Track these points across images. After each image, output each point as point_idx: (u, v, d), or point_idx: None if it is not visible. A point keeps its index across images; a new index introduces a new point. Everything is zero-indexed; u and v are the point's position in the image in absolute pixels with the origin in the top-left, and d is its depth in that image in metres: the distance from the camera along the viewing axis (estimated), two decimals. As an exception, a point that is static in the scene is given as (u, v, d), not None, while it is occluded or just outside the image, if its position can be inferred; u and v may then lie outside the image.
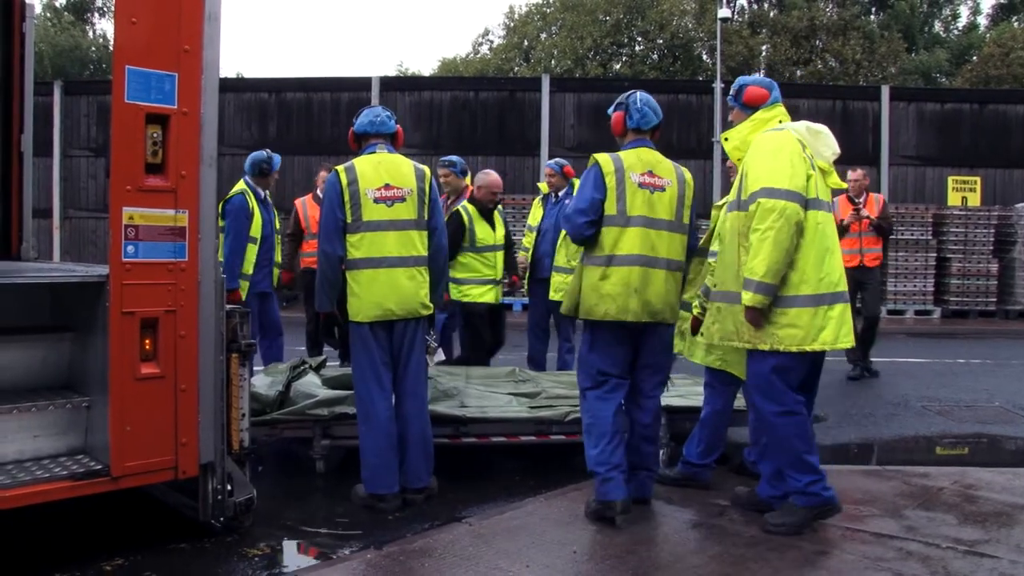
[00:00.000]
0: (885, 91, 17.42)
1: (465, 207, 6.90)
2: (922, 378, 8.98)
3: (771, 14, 33.52)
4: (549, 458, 5.63)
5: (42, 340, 4.18)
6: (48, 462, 3.74)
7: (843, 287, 4.00)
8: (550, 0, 35.92)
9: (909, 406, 7.50)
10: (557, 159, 8.02)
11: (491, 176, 7.07)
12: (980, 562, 3.67)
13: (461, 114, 17.54)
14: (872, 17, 35.33)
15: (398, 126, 4.97)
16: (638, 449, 4.43)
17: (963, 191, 16.81)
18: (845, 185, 4.15)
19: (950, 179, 16.95)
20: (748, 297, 3.89)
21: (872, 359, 8.99)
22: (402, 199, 4.65)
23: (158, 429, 3.74)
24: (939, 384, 8.63)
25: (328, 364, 6.38)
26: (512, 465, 5.54)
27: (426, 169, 4.85)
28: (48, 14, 33.86)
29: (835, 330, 3.92)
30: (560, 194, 7.65)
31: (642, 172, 4.25)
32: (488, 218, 6.95)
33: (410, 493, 4.67)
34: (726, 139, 4.34)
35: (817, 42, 32.46)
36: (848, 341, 4.00)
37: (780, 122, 4.18)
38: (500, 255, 7.03)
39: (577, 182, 7.26)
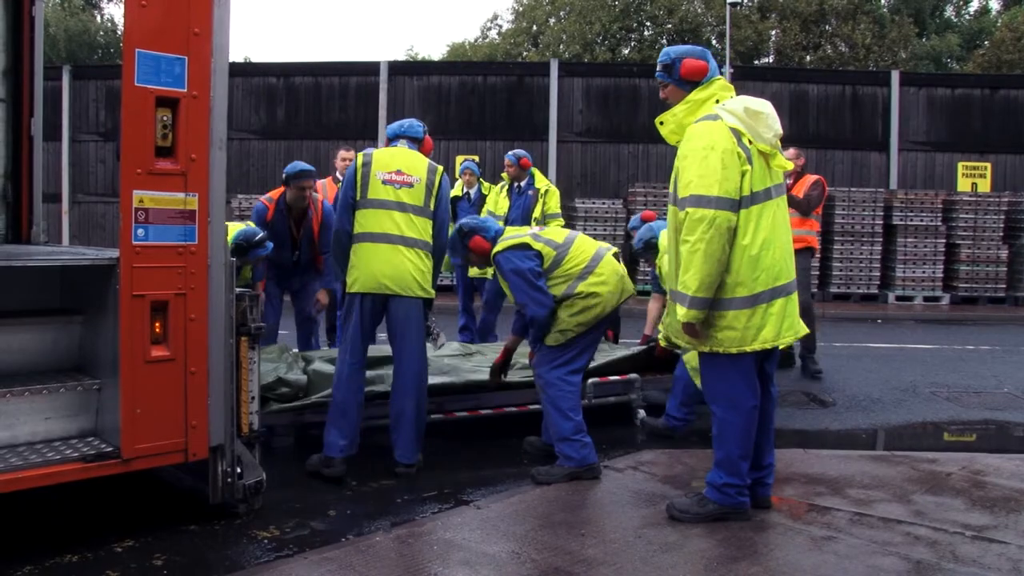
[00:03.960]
0: (895, 76, 17.30)
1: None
2: (931, 364, 8.96)
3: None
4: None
5: (53, 323, 4.19)
6: (59, 444, 3.76)
7: (784, 279, 3.86)
8: (559, -16, 35.79)
9: (917, 392, 7.49)
10: (515, 151, 8.33)
11: None
12: (988, 547, 3.68)
13: (469, 99, 17.48)
14: (883, 1, 35.07)
15: (427, 136, 5.15)
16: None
17: (973, 177, 16.72)
18: (791, 166, 3.99)
19: (960, 165, 16.86)
20: (682, 312, 3.84)
21: (874, 345, 8.95)
22: (410, 185, 4.85)
23: (168, 411, 3.75)
24: (948, 370, 8.61)
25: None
26: (515, 444, 5.53)
27: (440, 167, 5.03)
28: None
29: (776, 326, 3.83)
30: (522, 184, 8.08)
31: None
32: None
33: (401, 467, 4.84)
34: (661, 123, 3.99)
35: (827, 27, 32.27)
36: (791, 335, 3.92)
37: (717, 101, 3.86)
38: None
39: (538, 172, 7.74)
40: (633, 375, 6.34)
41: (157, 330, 3.72)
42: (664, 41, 33.54)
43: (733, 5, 21.69)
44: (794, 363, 8.27)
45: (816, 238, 8.54)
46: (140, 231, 3.64)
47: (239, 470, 4.02)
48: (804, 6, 31.40)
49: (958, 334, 11.82)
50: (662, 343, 5.95)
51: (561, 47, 33.05)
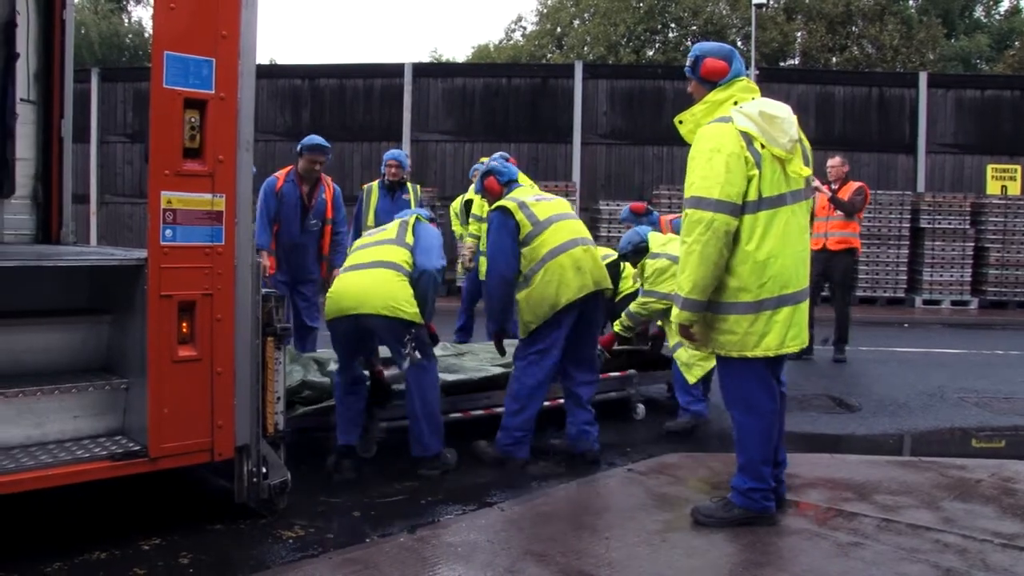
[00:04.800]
0: (923, 77, 17.14)
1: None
2: (958, 369, 8.85)
3: (807, 0, 33.03)
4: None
5: (82, 322, 4.23)
6: (88, 442, 3.80)
7: (793, 287, 3.79)
8: (583, -14, 35.76)
9: (945, 397, 7.40)
10: (502, 153, 8.30)
11: None
12: (1020, 556, 3.62)
13: (493, 101, 17.50)
14: (910, 2, 34.72)
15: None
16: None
17: (1003, 179, 16.50)
18: (808, 172, 3.92)
19: (989, 167, 16.65)
20: (675, 313, 3.88)
21: (900, 349, 8.93)
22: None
23: (195, 411, 3.78)
24: (976, 375, 8.50)
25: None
26: (537, 445, 5.51)
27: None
28: (86, 2, 34.22)
29: (780, 335, 3.78)
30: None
31: None
32: None
33: (424, 468, 4.88)
34: (680, 122, 3.97)
35: (853, 28, 31.99)
36: (795, 345, 3.86)
37: (736, 103, 3.81)
38: None
39: (521, 176, 7.83)
40: (631, 371, 6.45)
41: (184, 330, 3.75)
42: (689, 43, 33.41)
43: (759, 6, 21.57)
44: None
45: (858, 239, 9.10)
46: (168, 232, 3.67)
47: (264, 470, 4.03)
48: (830, 7, 31.14)
49: (987, 338, 11.69)
50: (617, 328, 6.27)
51: (585, 49, 33.00)
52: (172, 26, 3.65)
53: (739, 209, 3.69)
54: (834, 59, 31.23)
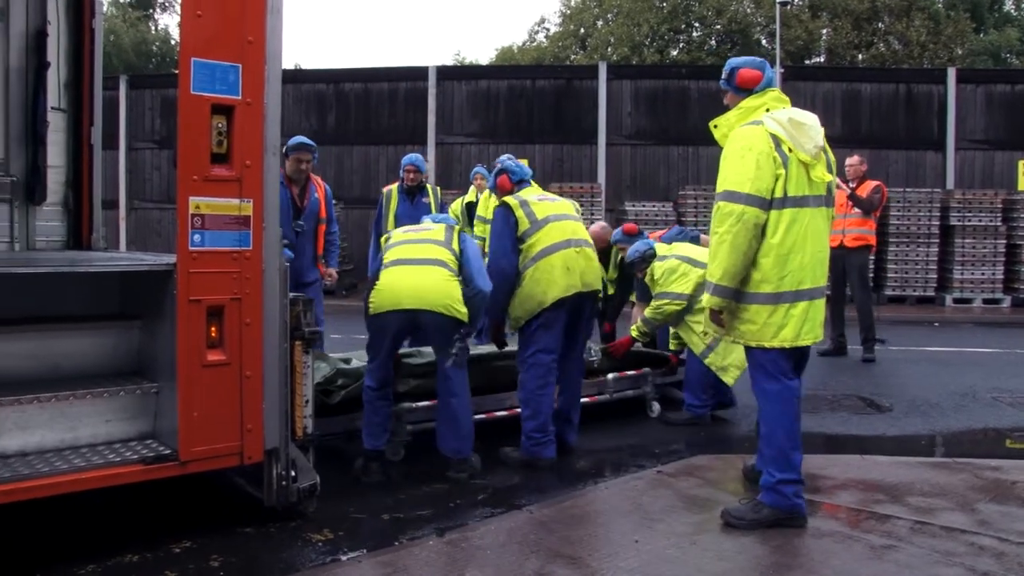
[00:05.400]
0: (951, 73, 16.96)
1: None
2: (991, 368, 8.72)
3: (832, -3, 32.76)
4: (595, 439, 5.63)
5: (113, 327, 4.28)
6: (119, 446, 3.83)
7: (810, 284, 3.96)
8: (606, -13, 35.69)
9: (978, 397, 7.30)
10: (508, 155, 8.39)
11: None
12: (1057, 558, 3.56)
13: (518, 103, 17.52)
14: (938, -3, 34.35)
15: None
16: None
17: (1034, 175, 16.31)
18: (830, 178, 4.10)
19: (1020, 163, 16.45)
20: (706, 299, 4.11)
21: (931, 349, 8.87)
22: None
23: (224, 415, 3.80)
24: (1009, 374, 8.37)
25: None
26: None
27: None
28: (115, 10, 34.64)
29: (796, 328, 3.95)
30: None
31: None
32: None
33: (452, 470, 4.90)
34: (715, 126, 4.20)
35: (880, 24, 31.71)
36: (810, 339, 4.01)
37: (768, 110, 4.04)
38: None
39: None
40: (646, 369, 6.56)
41: (213, 334, 3.77)
42: (713, 42, 33.30)
43: (783, 4, 21.44)
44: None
45: (874, 236, 9.28)
46: (196, 237, 3.70)
47: (293, 473, 4.05)
48: (856, 4, 30.89)
49: (1020, 337, 11.51)
50: (634, 333, 6.42)
51: (609, 49, 32.93)
52: (199, 33, 3.68)
53: (767, 204, 3.90)
54: (860, 56, 30.97)
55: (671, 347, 6.67)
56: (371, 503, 4.49)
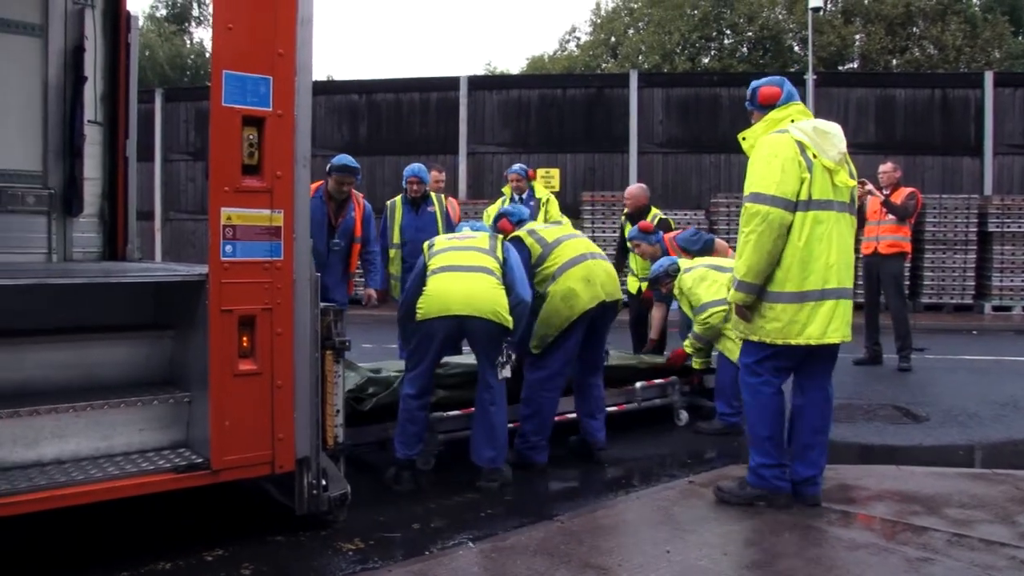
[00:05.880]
0: (989, 77, 16.68)
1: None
2: (1032, 377, 8.57)
3: (865, 1, 32.40)
4: (625, 448, 5.61)
5: (146, 337, 4.33)
6: (153, 455, 3.88)
7: (835, 284, 4.16)
8: (637, -5, 35.62)
9: (1018, 406, 7.16)
10: (521, 164, 8.63)
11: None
12: (1100, 571, 3.48)
13: (549, 111, 17.52)
14: (974, 0, 33.85)
15: None
16: None
17: (1075, 181, 16.00)
18: (853, 183, 4.32)
19: (1062, 168, 16.15)
20: (731, 294, 4.36)
21: (969, 357, 8.72)
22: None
23: (255, 424, 3.83)
24: (1050, 383, 8.21)
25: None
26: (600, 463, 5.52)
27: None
28: (151, 24, 35.19)
29: (822, 326, 4.15)
30: (524, 196, 8.27)
31: None
32: None
33: (483, 480, 4.89)
34: (743, 139, 4.43)
35: (914, 29, 31.31)
36: (836, 336, 4.19)
37: (792, 121, 4.28)
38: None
39: (537, 185, 8.44)
40: (673, 377, 6.54)
41: (245, 344, 3.80)
42: (744, 49, 33.11)
43: (815, 10, 21.22)
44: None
45: (909, 243, 9.10)
46: (228, 247, 3.73)
47: (324, 482, 4.06)
48: (889, 9, 30.51)
49: (1061, 345, 11.30)
50: (688, 349, 6.43)
51: (640, 58, 32.85)
52: (230, 46, 3.72)
53: (793, 206, 4.13)
54: (894, 61, 30.60)
55: (695, 365, 6.58)
56: (402, 512, 4.50)
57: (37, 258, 5.14)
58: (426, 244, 5.31)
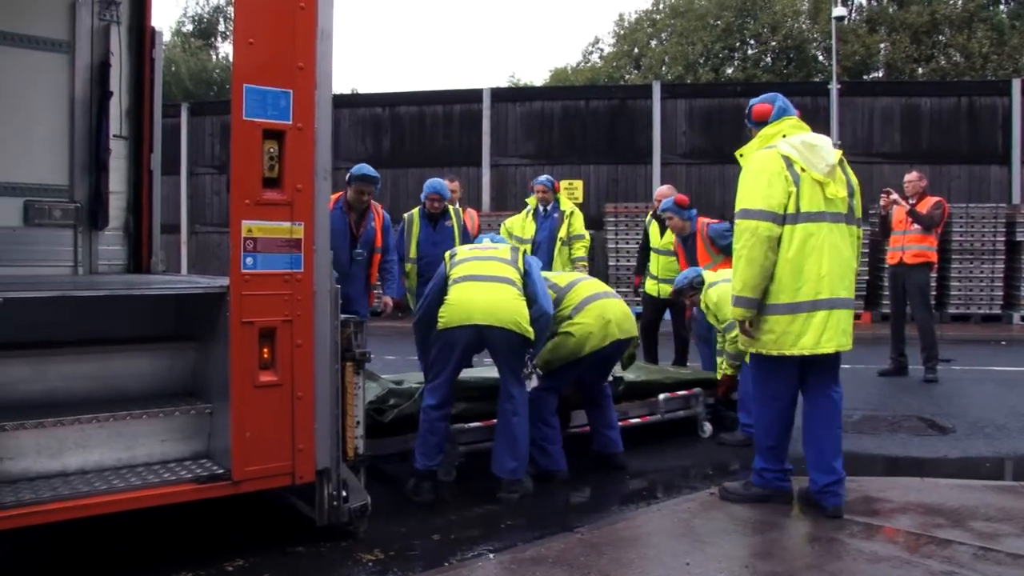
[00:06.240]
0: (1017, 84, 16.50)
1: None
2: (1061, 388, 8.44)
3: (890, 10, 32.17)
4: (648, 460, 5.58)
5: (169, 349, 4.37)
6: (174, 465, 3.91)
7: (827, 294, 4.24)
8: (660, 6, 35.58)
9: (1048, 418, 7.06)
10: (547, 176, 8.54)
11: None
12: None
13: (572, 123, 17.54)
14: (1001, 7, 33.48)
15: None
16: None
17: (1107, 189, 15.77)
18: (844, 194, 4.39)
19: (1092, 177, 15.93)
20: (732, 311, 4.53)
21: (997, 368, 8.61)
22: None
23: (276, 435, 3.85)
24: (1081, 395, 8.09)
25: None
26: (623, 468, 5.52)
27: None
28: (177, 40, 35.61)
29: (815, 336, 4.25)
30: (548, 208, 8.21)
31: None
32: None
33: (504, 491, 4.89)
34: (740, 155, 4.59)
35: (940, 37, 31.03)
36: (831, 346, 4.28)
37: (783, 136, 4.41)
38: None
39: (563, 197, 8.37)
40: (697, 389, 6.51)
41: (265, 356, 3.83)
42: (768, 60, 32.96)
43: (839, 19, 21.10)
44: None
45: (935, 253, 8.99)
46: (249, 260, 3.77)
47: (345, 493, 4.08)
48: (915, 17, 30.27)
49: (1092, 356, 11.12)
50: (728, 371, 6.36)
51: (663, 68, 32.81)
52: (251, 60, 3.77)
53: (780, 219, 4.24)
54: (920, 70, 30.33)
55: (727, 372, 6.50)
56: (422, 523, 4.50)
57: (64, 271, 5.21)
58: (448, 253, 5.32)
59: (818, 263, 4.23)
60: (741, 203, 4.34)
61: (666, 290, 7.89)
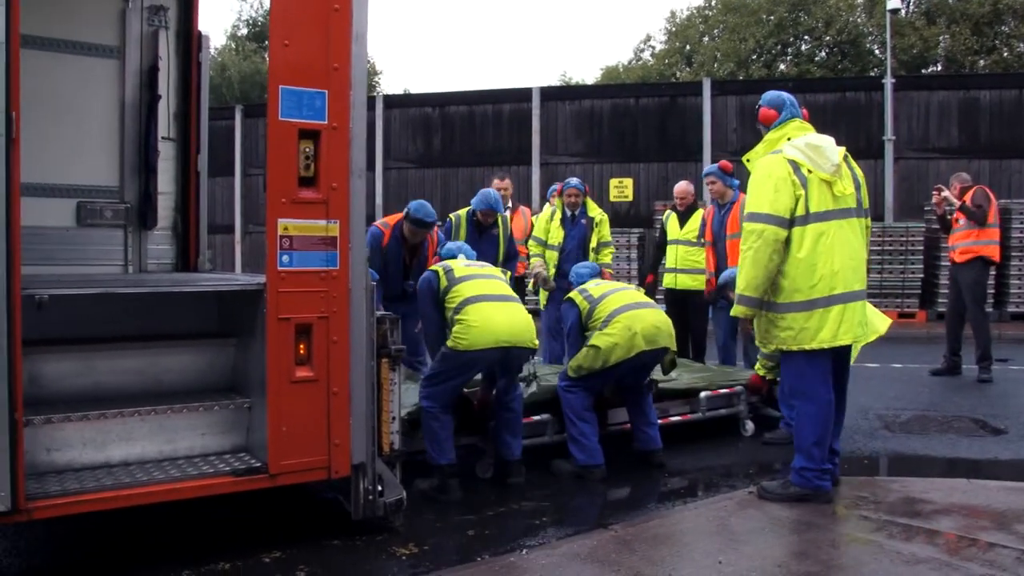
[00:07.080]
0: (1081, 77, 15.97)
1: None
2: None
3: (949, 1, 31.38)
4: (688, 458, 5.55)
5: (210, 345, 4.48)
6: (213, 458, 4.01)
7: (841, 289, 4.39)
8: (712, 2, 35.26)
9: (1106, 419, 6.84)
10: (578, 179, 8.25)
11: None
12: None
13: (622, 121, 17.45)
14: (1068, -4, 32.46)
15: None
16: None
17: None
18: (851, 191, 4.52)
19: None
20: (734, 309, 4.68)
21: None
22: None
23: (312, 430, 3.93)
24: None
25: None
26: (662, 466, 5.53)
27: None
28: (232, 43, 36.25)
29: (832, 330, 4.40)
30: (577, 213, 8.01)
31: None
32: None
33: (513, 477, 5.10)
34: (748, 160, 4.73)
35: (1003, 27, 30.20)
36: (848, 338, 4.44)
37: (789, 139, 4.54)
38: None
39: (590, 202, 8.12)
40: (739, 387, 6.46)
41: (301, 352, 3.90)
42: (823, 54, 32.45)
43: (894, 12, 20.60)
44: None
45: (990, 247, 8.66)
46: (285, 257, 3.85)
47: (380, 488, 4.13)
48: (976, 7, 29.47)
49: None
50: (762, 373, 6.33)
51: (715, 65, 32.49)
52: (286, 61, 3.84)
53: (788, 222, 4.40)
54: (981, 62, 29.56)
55: (762, 373, 6.42)
56: (457, 518, 4.55)
57: (114, 270, 5.36)
58: (440, 268, 5.22)
59: (831, 260, 4.38)
60: (749, 207, 4.51)
61: (683, 280, 7.97)
